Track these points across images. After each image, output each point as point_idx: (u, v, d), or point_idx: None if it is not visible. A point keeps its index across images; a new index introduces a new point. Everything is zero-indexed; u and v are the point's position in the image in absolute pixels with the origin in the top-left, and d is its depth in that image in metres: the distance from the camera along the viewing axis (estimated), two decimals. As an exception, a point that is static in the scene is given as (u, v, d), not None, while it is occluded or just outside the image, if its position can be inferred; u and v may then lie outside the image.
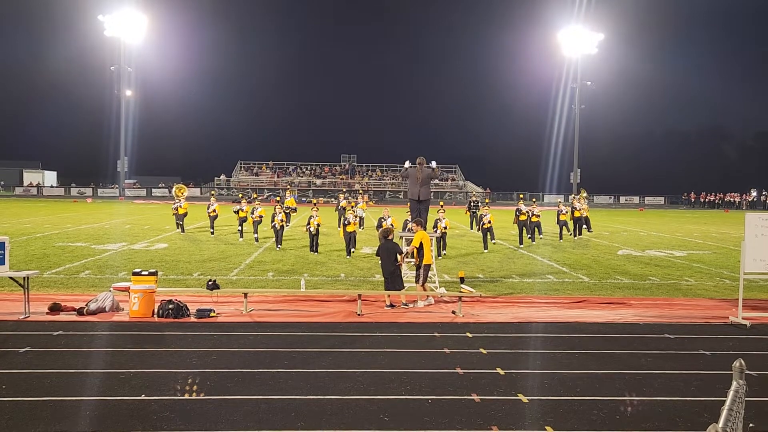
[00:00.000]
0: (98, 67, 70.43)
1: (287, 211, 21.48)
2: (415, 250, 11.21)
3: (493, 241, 19.65)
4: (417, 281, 11.31)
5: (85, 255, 16.49)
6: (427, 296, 11.21)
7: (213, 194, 24.83)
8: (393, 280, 10.88)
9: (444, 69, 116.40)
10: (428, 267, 11.31)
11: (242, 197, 22.06)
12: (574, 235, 23.36)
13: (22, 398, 6.14)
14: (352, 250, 17.30)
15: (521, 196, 26.00)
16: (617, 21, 74.94)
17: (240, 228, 20.94)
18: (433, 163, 13.36)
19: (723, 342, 8.93)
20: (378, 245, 11.48)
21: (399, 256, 11.01)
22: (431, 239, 11.91)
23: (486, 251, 18.70)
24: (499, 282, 13.72)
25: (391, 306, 10.80)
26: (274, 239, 19.11)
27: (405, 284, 11.29)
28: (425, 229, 12.01)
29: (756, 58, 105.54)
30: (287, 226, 22.74)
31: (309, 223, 17.84)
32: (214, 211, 22.15)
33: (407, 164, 13.74)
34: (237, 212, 21.10)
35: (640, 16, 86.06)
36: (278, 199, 23.77)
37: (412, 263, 11.64)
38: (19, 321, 9.28)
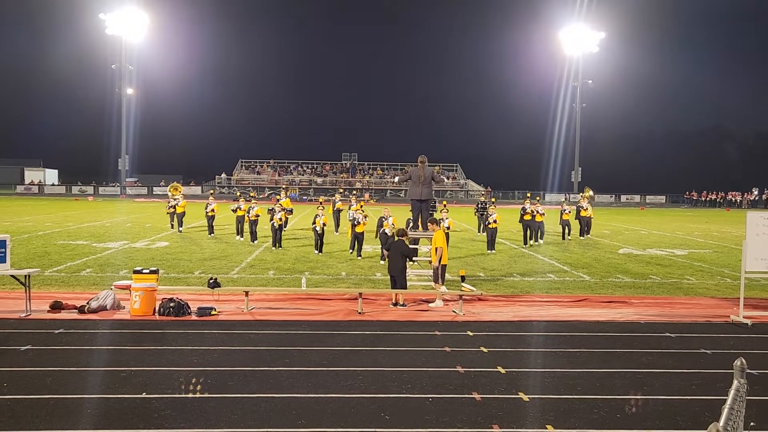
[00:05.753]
0: (99, 65, 70.74)
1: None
2: (435, 250, 11.18)
3: (491, 251, 18.77)
4: (436, 281, 11.28)
5: (86, 253, 16.50)
6: (435, 297, 11.19)
7: (212, 193, 24.52)
8: (399, 280, 10.86)
9: (445, 68, 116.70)
10: (444, 267, 11.32)
11: (239, 196, 21.91)
12: (581, 235, 23.31)
13: (24, 396, 6.15)
14: (360, 258, 16.74)
15: (528, 195, 25.86)
16: (618, 20, 75.09)
17: (237, 227, 20.78)
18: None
19: (724, 341, 8.93)
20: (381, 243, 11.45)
21: (408, 259, 10.95)
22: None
23: (489, 252, 18.64)
24: (500, 281, 13.71)
25: (396, 305, 10.80)
26: (271, 239, 18.84)
27: (409, 284, 11.27)
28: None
29: (756, 58, 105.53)
30: (284, 228, 22.51)
31: (315, 222, 17.72)
32: (213, 210, 21.88)
33: (408, 169, 13.95)
34: (234, 211, 20.97)
35: (642, 15, 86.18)
36: (278, 198, 23.60)
37: (427, 261, 11.59)
38: (21, 319, 9.29)
